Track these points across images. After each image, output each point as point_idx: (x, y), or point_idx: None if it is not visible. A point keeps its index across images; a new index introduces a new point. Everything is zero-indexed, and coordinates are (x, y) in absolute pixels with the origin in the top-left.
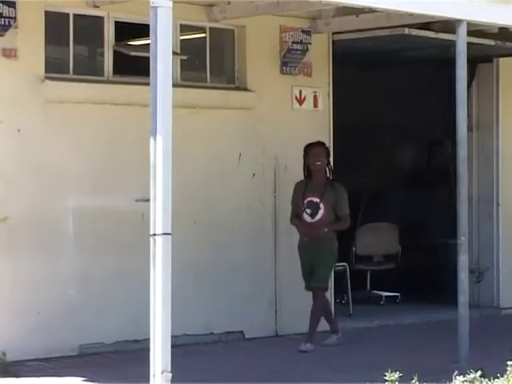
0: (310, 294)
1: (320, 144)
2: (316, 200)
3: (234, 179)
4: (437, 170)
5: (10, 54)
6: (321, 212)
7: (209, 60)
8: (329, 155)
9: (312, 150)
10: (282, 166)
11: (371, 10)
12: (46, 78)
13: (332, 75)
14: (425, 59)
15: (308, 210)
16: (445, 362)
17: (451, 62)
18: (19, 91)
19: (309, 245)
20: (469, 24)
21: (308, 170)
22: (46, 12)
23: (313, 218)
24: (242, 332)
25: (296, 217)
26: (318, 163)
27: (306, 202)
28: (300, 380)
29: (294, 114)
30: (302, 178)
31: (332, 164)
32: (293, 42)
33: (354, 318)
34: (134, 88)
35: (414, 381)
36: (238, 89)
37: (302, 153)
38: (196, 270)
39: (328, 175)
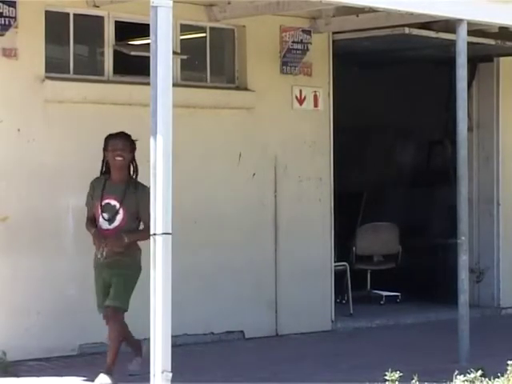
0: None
1: (123, 136)
2: (114, 203)
3: (234, 179)
4: (437, 169)
5: (10, 54)
6: (119, 218)
7: (209, 60)
8: (134, 150)
9: (113, 142)
10: (282, 166)
11: (371, 10)
12: (46, 77)
13: (332, 75)
14: (425, 59)
15: (105, 215)
16: (445, 362)
17: (451, 62)
18: (19, 91)
19: (106, 257)
20: (469, 24)
21: (107, 165)
22: (46, 12)
23: (110, 224)
24: (242, 332)
25: (92, 221)
26: (119, 159)
27: (103, 204)
28: (300, 380)
29: (294, 113)
30: (100, 175)
31: (136, 161)
32: (293, 42)
33: (354, 318)
34: (134, 88)
35: (414, 381)
36: (238, 89)
37: (302, 153)
38: (196, 269)
39: (131, 174)
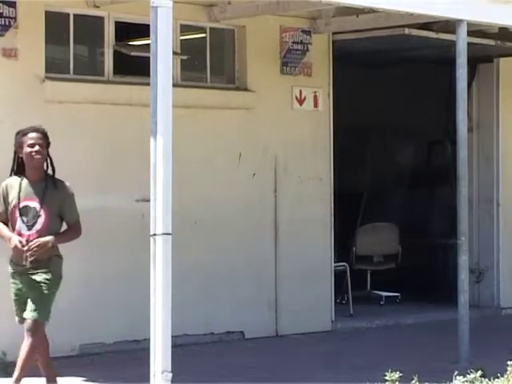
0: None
1: (38, 130)
2: (34, 205)
3: (233, 179)
4: (437, 170)
5: (10, 53)
6: (41, 221)
7: (209, 60)
8: (49, 145)
9: (28, 138)
10: (282, 166)
11: (371, 10)
12: (46, 77)
13: (332, 75)
14: (425, 59)
15: (24, 218)
16: (445, 362)
17: (451, 62)
18: (19, 91)
19: (24, 266)
20: (469, 24)
21: (21, 164)
22: (46, 12)
23: (30, 229)
24: (242, 332)
25: (3, 226)
26: (38, 157)
27: (21, 207)
28: (300, 380)
29: (294, 113)
30: (10, 175)
31: (52, 158)
32: (293, 42)
33: (354, 317)
34: (134, 88)
35: (414, 381)
36: (238, 89)
37: (302, 153)
38: (196, 269)
39: (47, 171)
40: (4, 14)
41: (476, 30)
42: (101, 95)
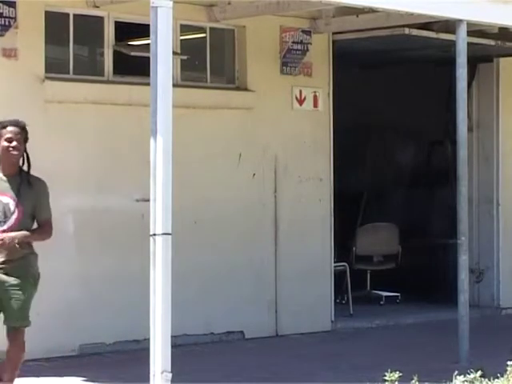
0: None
1: (18, 124)
2: (7, 200)
3: (234, 179)
4: (437, 170)
5: (10, 54)
6: (14, 217)
7: (209, 60)
8: (27, 141)
9: (7, 131)
10: (282, 166)
11: (371, 10)
12: (46, 77)
13: (332, 75)
14: (425, 59)
15: None
16: (445, 362)
17: (451, 62)
18: (19, 91)
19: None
20: (469, 24)
21: None
22: (46, 12)
23: (1, 225)
24: (242, 332)
25: None
26: (15, 152)
27: None
28: (300, 380)
29: (294, 113)
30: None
31: (28, 153)
32: (293, 42)
33: (354, 317)
34: (134, 88)
35: (413, 381)
36: (238, 89)
37: (302, 153)
38: (196, 269)
39: (22, 167)
40: (4, 14)
41: (476, 30)
42: (101, 95)
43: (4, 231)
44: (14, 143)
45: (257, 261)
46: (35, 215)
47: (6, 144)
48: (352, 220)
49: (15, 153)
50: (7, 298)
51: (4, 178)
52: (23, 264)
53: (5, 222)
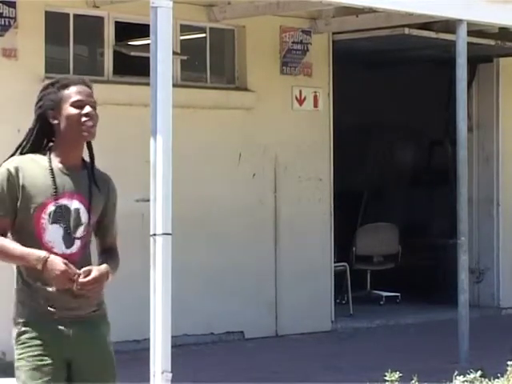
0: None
1: (86, 83)
2: (76, 205)
3: (233, 179)
4: (437, 170)
5: (10, 54)
6: (83, 233)
7: (209, 60)
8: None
9: (74, 92)
10: (282, 166)
11: (371, 10)
12: (46, 78)
13: (332, 75)
14: (425, 59)
15: (62, 227)
16: (445, 363)
17: (451, 62)
18: (19, 91)
19: (75, 311)
20: (469, 24)
21: (46, 135)
22: (46, 12)
23: (70, 245)
24: (242, 332)
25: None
26: (90, 124)
27: (55, 207)
28: (300, 380)
29: (294, 114)
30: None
31: None
32: (293, 42)
33: (354, 317)
34: (134, 88)
35: (413, 381)
36: (238, 89)
37: (302, 153)
38: (196, 270)
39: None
40: (4, 14)
41: (476, 30)
42: (101, 95)
43: (73, 255)
44: (88, 109)
45: (257, 261)
46: (99, 231)
47: (74, 112)
48: (352, 220)
49: (90, 124)
50: (91, 365)
51: (65, 171)
52: (104, 309)
53: (74, 242)
